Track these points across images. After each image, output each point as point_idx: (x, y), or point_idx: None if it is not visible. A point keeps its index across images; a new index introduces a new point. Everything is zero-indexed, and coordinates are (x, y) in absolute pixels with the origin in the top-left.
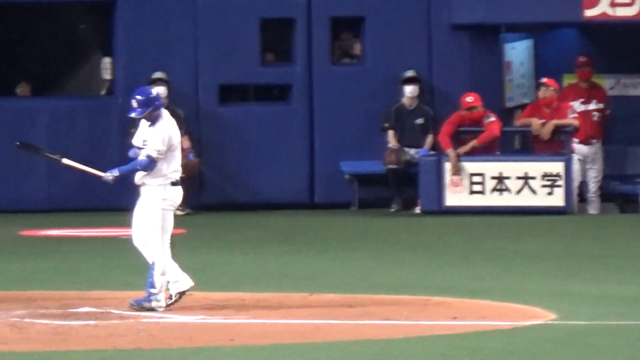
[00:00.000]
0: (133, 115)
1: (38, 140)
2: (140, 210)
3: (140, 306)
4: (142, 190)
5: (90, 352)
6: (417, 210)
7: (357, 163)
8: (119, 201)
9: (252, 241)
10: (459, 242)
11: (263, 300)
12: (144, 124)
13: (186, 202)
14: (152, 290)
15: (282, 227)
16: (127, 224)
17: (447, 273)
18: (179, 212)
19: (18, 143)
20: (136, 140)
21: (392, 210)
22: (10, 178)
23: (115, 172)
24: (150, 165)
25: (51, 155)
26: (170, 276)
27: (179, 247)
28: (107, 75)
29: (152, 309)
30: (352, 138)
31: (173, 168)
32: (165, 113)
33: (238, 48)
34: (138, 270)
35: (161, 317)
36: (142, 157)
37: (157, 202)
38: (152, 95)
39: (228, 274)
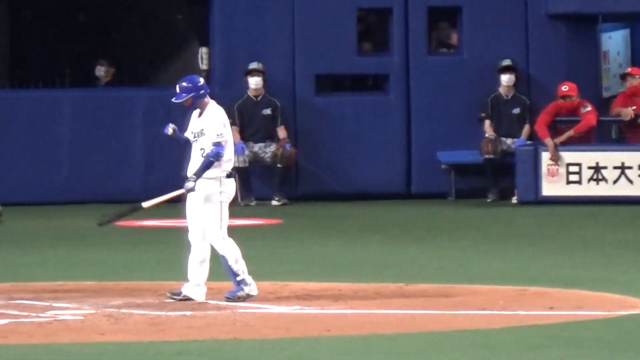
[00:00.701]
0: (173, 100)
1: (134, 130)
2: (198, 205)
3: (236, 297)
4: (201, 183)
5: (187, 343)
6: (514, 200)
7: (454, 153)
8: None
9: (348, 231)
10: (556, 232)
11: (359, 291)
12: (194, 116)
13: (283, 192)
14: (238, 279)
15: (379, 217)
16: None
17: (544, 263)
18: (275, 203)
19: (98, 223)
20: (188, 133)
21: (489, 200)
22: (107, 169)
23: (192, 179)
24: (219, 151)
25: (132, 210)
26: (196, 279)
27: (275, 237)
28: (203, 65)
29: (247, 296)
30: (449, 128)
31: (227, 158)
32: (213, 103)
33: (334, 38)
34: None
35: (258, 308)
36: (208, 150)
37: (215, 196)
38: (198, 84)
39: (324, 264)
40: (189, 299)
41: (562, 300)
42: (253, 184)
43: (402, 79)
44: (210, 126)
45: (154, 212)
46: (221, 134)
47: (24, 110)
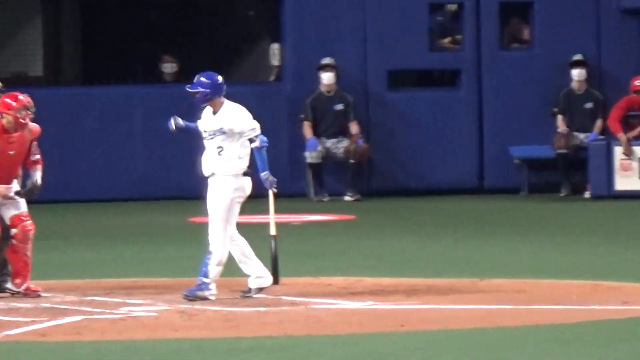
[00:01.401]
0: (187, 87)
1: None
2: (209, 200)
3: (194, 296)
4: (212, 180)
5: (260, 339)
6: (587, 194)
7: (527, 148)
8: (290, 187)
9: (421, 226)
10: (629, 226)
11: (433, 286)
12: (206, 113)
13: (355, 188)
14: (205, 280)
15: (451, 212)
16: (298, 210)
17: (617, 257)
18: (347, 198)
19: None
20: (201, 125)
21: (562, 194)
22: (180, 164)
23: (267, 175)
24: (264, 138)
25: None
26: (254, 271)
27: (348, 232)
28: (275, 61)
29: (205, 299)
30: (522, 123)
31: (243, 154)
32: (229, 102)
33: (406, 33)
34: (308, 256)
35: (331, 304)
36: (255, 143)
37: (228, 193)
38: (215, 82)
39: (398, 260)
40: (262, 288)
41: (636, 295)
42: (326, 179)
43: (474, 74)
44: (238, 123)
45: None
46: (254, 128)
47: (96, 107)
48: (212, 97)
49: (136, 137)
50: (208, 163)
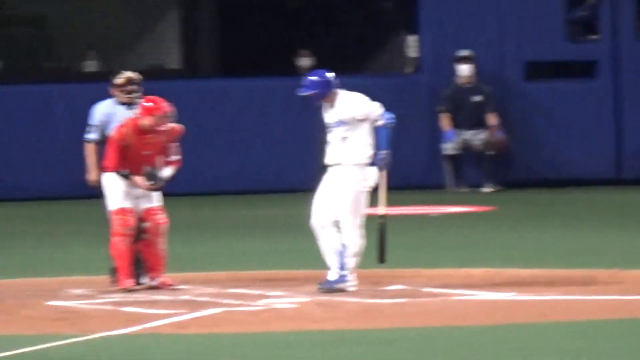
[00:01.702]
0: (299, 93)
1: None
2: (335, 191)
3: (332, 288)
4: (336, 170)
5: (400, 330)
6: None
7: None
8: (429, 179)
9: (560, 217)
10: None
11: (573, 277)
12: (325, 108)
13: (494, 179)
14: (343, 272)
15: (590, 203)
16: (436, 202)
17: None
18: (486, 189)
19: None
20: (324, 118)
21: None
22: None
23: (386, 154)
24: (390, 114)
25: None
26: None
27: (487, 224)
28: (413, 53)
29: (342, 291)
30: None
31: (367, 142)
32: (344, 91)
33: (543, 24)
34: (447, 248)
35: (472, 295)
36: (379, 122)
37: (355, 184)
38: (324, 80)
39: (537, 251)
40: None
41: None
42: (464, 171)
43: (611, 65)
44: (358, 110)
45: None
46: (377, 109)
47: (233, 99)
48: (324, 94)
49: (273, 129)
50: (333, 153)
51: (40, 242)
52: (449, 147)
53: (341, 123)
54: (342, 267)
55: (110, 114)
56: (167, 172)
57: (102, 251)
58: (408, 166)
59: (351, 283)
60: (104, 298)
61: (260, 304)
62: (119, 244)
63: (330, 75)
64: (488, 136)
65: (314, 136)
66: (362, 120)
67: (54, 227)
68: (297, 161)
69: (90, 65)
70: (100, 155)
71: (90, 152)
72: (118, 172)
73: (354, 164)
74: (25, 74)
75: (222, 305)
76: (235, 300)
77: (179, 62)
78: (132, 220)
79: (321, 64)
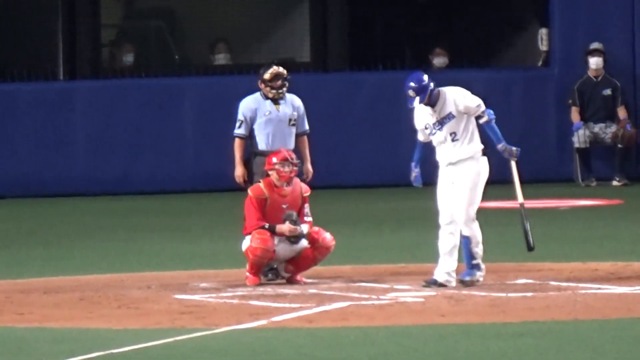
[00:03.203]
0: (415, 104)
1: None
2: (457, 187)
3: (469, 281)
4: (453, 168)
5: (528, 324)
6: None
7: None
8: (558, 173)
9: None
10: None
11: None
12: (423, 112)
13: (623, 173)
14: (474, 262)
15: None
16: (565, 195)
17: None
18: (615, 183)
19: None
20: (423, 129)
21: None
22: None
23: (504, 146)
24: (491, 110)
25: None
26: (448, 266)
27: (616, 217)
28: (543, 46)
29: (477, 282)
30: None
31: (477, 135)
32: (442, 88)
33: None
34: (575, 241)
35: (599, 289)
36: (483, 119)
37: (476, 176)
38: (424, 80)
39: None
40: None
41: None
42: (593, 164)
43: None
44: (462, 102)
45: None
46: (479, 104)
47: (363, 93)
48: (433, 91)
49: (402, 123)
50: (445, 153)
51: (169, 235)
52: (578, 141)
53: (450, 118)
54: (472, 257)
55: (256, 109)
56: (305, 227)
57: (230, 245)
58: (538, 159)
59: (481, 273)
60: (231, 292)
61: (387, 298)
62: (255, 257)
63: (427, 77)
64: (617, 130)
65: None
66: (467, 113)
67: (183, 220)
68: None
69: (220, 59)
70: (246, 150)
71: (237, 146)
72: (262, 227)
73: (470, 157)
74: (156, 67)
75: (349, 299)
76: (363, 294)
77: (309, 55)
78: (271, 242)
79: (454, 59)
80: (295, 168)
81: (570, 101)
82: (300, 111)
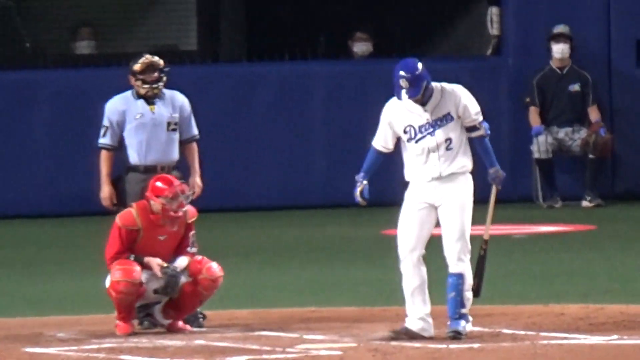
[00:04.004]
0: (406, 98)
1: None
2: (448, 208)
3: (458, 332)
4: (446, 181)
5: None
6: None
7: None
8: (513, 190)
9: None
10: None
11: None
12: (408, 110)
13: (596, 190)
14: (463, 311)
15: None
16: (522, 219)
17: None
18: (586, 203)
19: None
20: (400, 124)
21: None
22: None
23: (498, 170)
24: (488, 125)
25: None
26: (420, 311)
27: (587, 247)
28: (493, 30)
29: (465, 335)
30: None
31: (468, 145)
32: (437, 84)
33: None
34: (535, 278)
35: (565, 338)
36: (479, 132)
37: (471, 195)
38: (419, 69)
39: None
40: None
41: None
42: (558, 179)
43: None
44: (462, 104)
45: None
46: (479, 112)
47: (266, 87)
48: (429, 84)
49: (315, 125)
50: (431, 165)
51: (16, 271)
52: (538, 150)
53: (448, 120)
54: (461, 305)
55: (124, 111)
56: (183, 261)
57: (94, 284)
58: (486, 173)
59: (470, 326)
60: (96, 343)
61: (295, 351)
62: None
63: (421, 65)
64: (588, 135)
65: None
66: (461, 119)
67: (34, 252)
68: (343, 170)
69: (83, 47)
70: (115, 164)
71: (103, 160)
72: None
73: (462, 172)
74: (1, 57)
75: (247, 352)
76: (264, 346)
77: (196, 43)
78: (137, 273)
79: (379, 46)
80: (186, 202)
81: (527, 99)
82: (185, 112)
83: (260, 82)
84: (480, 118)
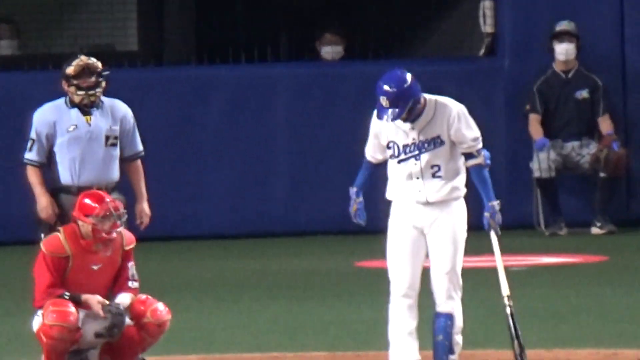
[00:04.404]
0: (385, 119)
1: None
2: (436, 237)
3: None
4: (434, 207)
5: None
6: None
7: None
8: (510, 214)
9: None
10: None
11: None
12: (391, 124)
13: (607, 215)
14: (452, 358)
15: None
16: (521, 248)
17: None
18: (596, 230)
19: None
20: (385, 137)
21: None
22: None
23: (498, 206)
24: (488, 154)
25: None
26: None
27: (597, 280)
28: (487, 26)
29: None
30: None
31: (463, 171)
32: (432, 97)
33: None
34: (538, 318)
35: None
36: (477, 160)
37: (464, 222)
38: (406, 84)
39: None
40: None
41: None
42: (562, 202)
43: None
44: (466, 129)
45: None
46: (478, 138)
47: (219, 93)
48: (418, 102)
49: (278, 137)
50: (416, 189)
51: None
52: (540, 167)
53: (437, 143)
54: (450, 351)
55: (55, 122)
56: (126, 298)
57: (15, 326)
58: (479, 194)
59: None
60: None
61: None
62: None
63: (411, 78)
64: (599, 150)
65: (337, 139)
66: (456, 143)
67: None
68: (309, 195)
69: (3, 47)
70: (47, 179)
71: (31, 176)
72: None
73: (452, 198)
74: None
75: None
76: None
77: (137, 43)
78: (73, 317)
79: (352, 47)
80: (121, 222)
81: (528, 107)
82: (128, 124)
83: (212, 88)
84: (479, 145)
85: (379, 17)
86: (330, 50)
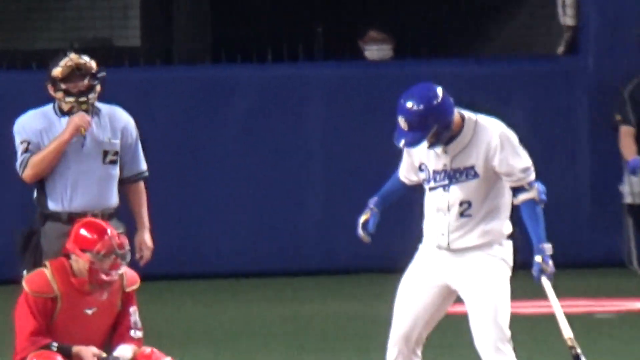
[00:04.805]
0: (402, 144)
1: None
2: (472, 286)
3: None
4: (459, 256)
5: None
6: None
7: None
8: (593, 247)
9: None
10: None
11: None
12: (423, 149)
13: None
14: None
15: None
16: (608, 291)
17: None
18: None
19: None
20: (416, 159)
21: None
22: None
23: (549, 249)
24: (543, 190)
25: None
26: None
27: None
28: (567, 19)
29: None
30: None
31: (508, 208)
32: (472, 117)
33: None
34: None
35: None
36: (528, 194)
37: (503, 265)
38: (435, 101)
39: None
40: None
41: None
42: None
43: None
44: (504, 157)
45: None
46: (529, 168)
47: (240, 99)
48: (450, 124)
49: (312, 159)
50: (443, 233)
51: None
52: (632, 190)
53: (470, 175)
54: None
55: (41, 131)
56: (127, 351)
57: None
58: (557, 223)
59: None
60: None
61: None
62: None
63: (442, 94)
64: None
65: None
66: (502, 176)
67: None
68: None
69: None
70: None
71: (41, 152)
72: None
73: (483, 244)
74: None
75: None
76: None
77: (139, 38)
78: None
79: (402, 47)
80: (124, 262)
81: (618, 118)
82: (130, 137)
83: (231, 92)
84: (531, 177)
85: (432, 10)
86: (375, 49)
